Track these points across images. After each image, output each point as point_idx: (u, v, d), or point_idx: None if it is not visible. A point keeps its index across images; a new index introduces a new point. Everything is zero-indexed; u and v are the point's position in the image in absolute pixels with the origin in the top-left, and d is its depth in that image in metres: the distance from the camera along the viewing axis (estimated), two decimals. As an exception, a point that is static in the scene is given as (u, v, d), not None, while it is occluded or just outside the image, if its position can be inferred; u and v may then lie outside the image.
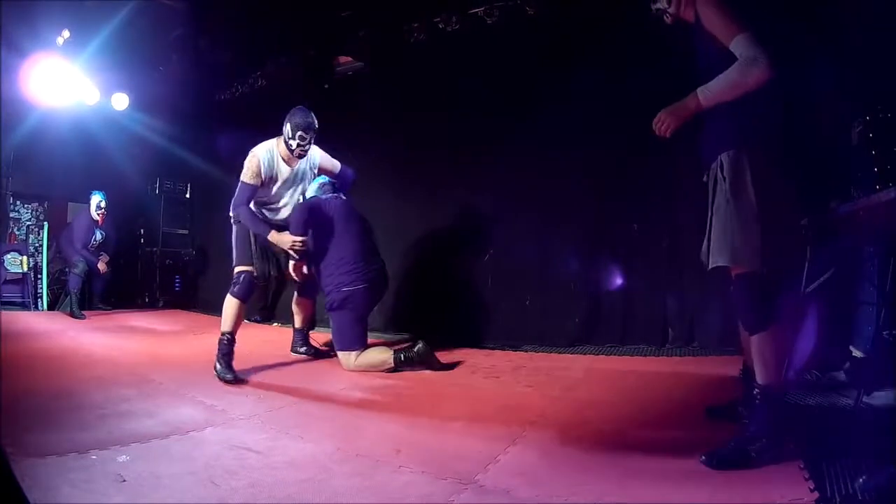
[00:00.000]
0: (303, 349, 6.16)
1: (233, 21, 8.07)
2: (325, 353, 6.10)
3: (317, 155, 5.69)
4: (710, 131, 3.31)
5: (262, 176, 5.32)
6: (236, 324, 5.27)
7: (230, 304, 5.29)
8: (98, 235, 9.42)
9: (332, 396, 4.57)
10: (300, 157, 5.44)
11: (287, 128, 5.30)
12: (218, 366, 5.02)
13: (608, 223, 6.65)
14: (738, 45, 2.94)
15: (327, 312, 5.56)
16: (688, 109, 3.08)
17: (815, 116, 4.54)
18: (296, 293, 6.19)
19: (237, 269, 5.41)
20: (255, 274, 5.41)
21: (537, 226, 6.99)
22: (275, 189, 5.49)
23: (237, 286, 5.32)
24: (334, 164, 5.91)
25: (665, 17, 3.52)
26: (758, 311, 3.03)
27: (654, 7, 3.58)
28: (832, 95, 4.58)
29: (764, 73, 2.88)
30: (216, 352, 5.11)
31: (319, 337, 6.36)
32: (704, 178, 3.39)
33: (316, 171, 5.74)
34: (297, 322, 6.22)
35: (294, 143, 5.30)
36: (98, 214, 9.31)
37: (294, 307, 6.22)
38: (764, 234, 2.96)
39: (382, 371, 5.31)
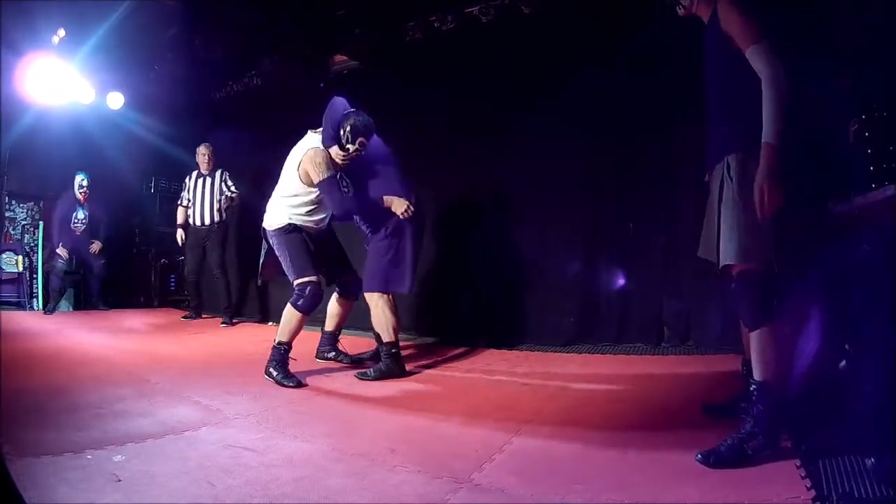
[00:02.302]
0: (331, 355, 5.85)
1: (228, 20, 8.05)
2: (358, 359, 5.82)
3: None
4: (716, 133, 3.36)
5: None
6: (295, 335, 5.08)
7: (293, 316, 5.06)
8: (80, 213, 9.37)
9: (327, 396, 4.58)
10: (351, 161, 5.23)
11: (347, 130, 5.09)
12: (274, 372, 4.92)
13: (604, 222, 6.64)
14: (754, 55, 3.01)
15: (377, 243, 5.37)
16: (772, 163, 2.94)
17: (812, 115, 4.54)
18: (337, 294, 5.84)
19: (301, 281, 5.08)
20: (321, 283, 5.16)
21: (533, 225, 6.98)
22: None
23: (303, 300, 5.03)
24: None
25: (678, 9, 3.59)
26: (759, 307, 3.06)
27: None
28: (828, 94, 4.59)
29: (787, 84, 2.94)
30: (270, 358, 5.00)
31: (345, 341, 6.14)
32: (706, 178, 3.46)
33: None
34: (331, 325, 5.89)
35: (352, 148, 5.09)
36: (80, 193, 9.31)
37: (332, 308, 5.89)
38: (769, 234, 3.02)
39: (386, 336, 5.22)
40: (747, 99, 3.04)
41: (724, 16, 3.18)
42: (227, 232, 9.08)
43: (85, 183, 9.33)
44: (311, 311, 5.12)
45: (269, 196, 5.39)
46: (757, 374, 3.03)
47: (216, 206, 8.82)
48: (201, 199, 8.83)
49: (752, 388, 3.03)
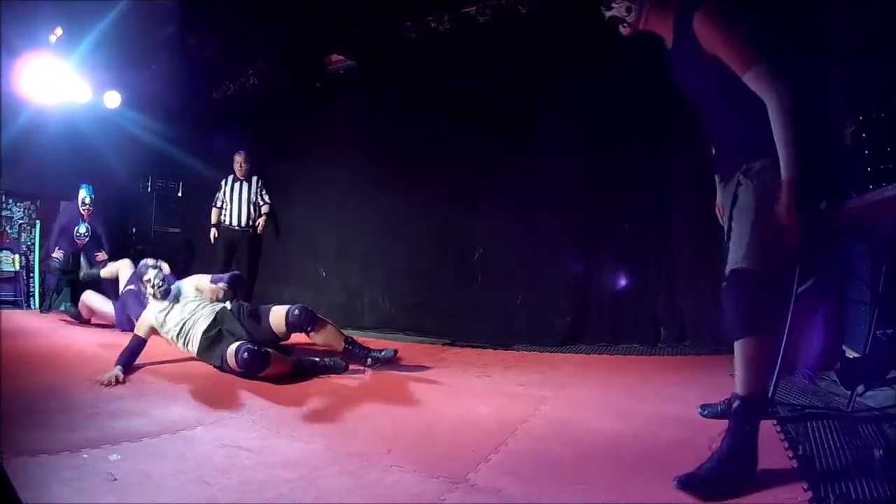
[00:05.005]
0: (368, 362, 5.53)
1: (224, 19, 8.06)
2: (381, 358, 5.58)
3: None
4: (729, 146, 3.17)
5: None
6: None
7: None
8: (83, 228, 9.33)
9: (323, 396, 4.58)
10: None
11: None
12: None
13: (599, 223, 6.67)
14: (754, 80, 2.79)
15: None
16: (792, 197, 2.72)
17: (808, 116, 4.52)
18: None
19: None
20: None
21: (529, 225, 7.00)
22: None
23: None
24: None
25: (621, 28, 3.35)
26: (750, 313, 2.83)
27: (606, 14, 3.37)
28: (824, 95, 4.58)
29: (792, 100, 2.73)
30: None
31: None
32: (722, 185, 3.27)
33: None
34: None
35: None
36: (84, 210, 9.27)
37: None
38: (778, 242, 2.82)
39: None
40: (756, 108, 2.79)
41: (706, 36, 2.90)
42: (259, 243, 9.54)
43: (87, 200, 9.28)
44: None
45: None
46: (741, 388, 2.78)
47: (251, 209, 9.22)
48: (238, 201, 9.24)
49: (735, 404, 2.79)
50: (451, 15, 7.48)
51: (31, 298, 9.90)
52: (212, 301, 5.70)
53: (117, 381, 4.65)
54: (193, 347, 5.31)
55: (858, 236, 4.06)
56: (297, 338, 5.48)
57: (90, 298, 7.85)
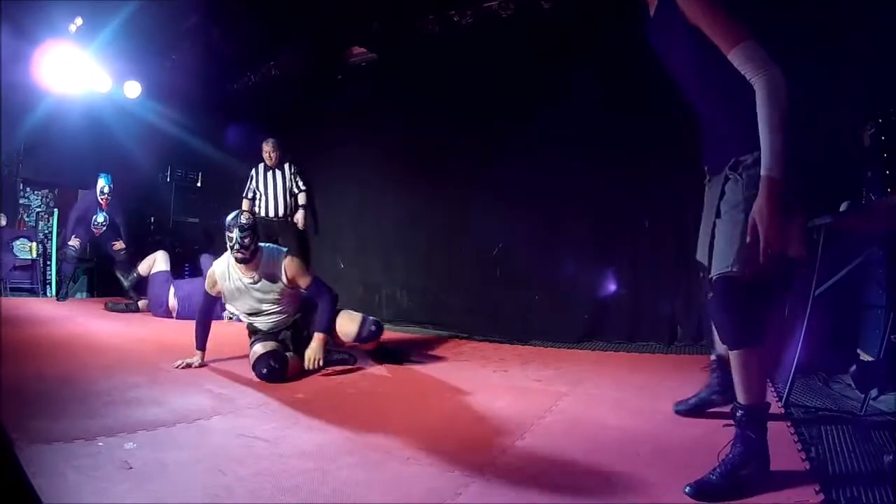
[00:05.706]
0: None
1: (246, 10, 8.06)
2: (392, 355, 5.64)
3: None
4: (718, 136, 2.91)
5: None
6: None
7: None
8: (101, 217, 9.33)
9: (341, 388, 4.60)
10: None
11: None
12: None
13: (618, 220, 6.66)
14: (739, 58, 2.52)
15: None
16: (774, 197, 2.45)
17: (827, 119, 4.47)
18: None
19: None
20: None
21: (547, 221, 7.00)
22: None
23: None
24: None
25: None
26: (741, 325, 2.70)
27: None
28: (844, 98, 4.54)
29: (784, 85, 2.45)
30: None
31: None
32: (707, 180, 3.08)
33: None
34: None
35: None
36: (102, 199, 9.27)
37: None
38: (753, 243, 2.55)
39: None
40: (748, 93, 2.51)
41: (690, 5, 2.62)
42: (303, 234, 9.16)
43: (106, 190, 9.27)
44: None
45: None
46: (742, 398, 2.67)
47: (287, 198, 8.95)
48: (273, 190, 8.94)
49: (738, 413, 2.67)
50: (473, 9, 7.48)
51: (48, 286, 9.95)
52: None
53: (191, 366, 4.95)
54: (250, 325, 5.31)
55: (875, 239, 4.01)
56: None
57: (163, 257, 8.69)
